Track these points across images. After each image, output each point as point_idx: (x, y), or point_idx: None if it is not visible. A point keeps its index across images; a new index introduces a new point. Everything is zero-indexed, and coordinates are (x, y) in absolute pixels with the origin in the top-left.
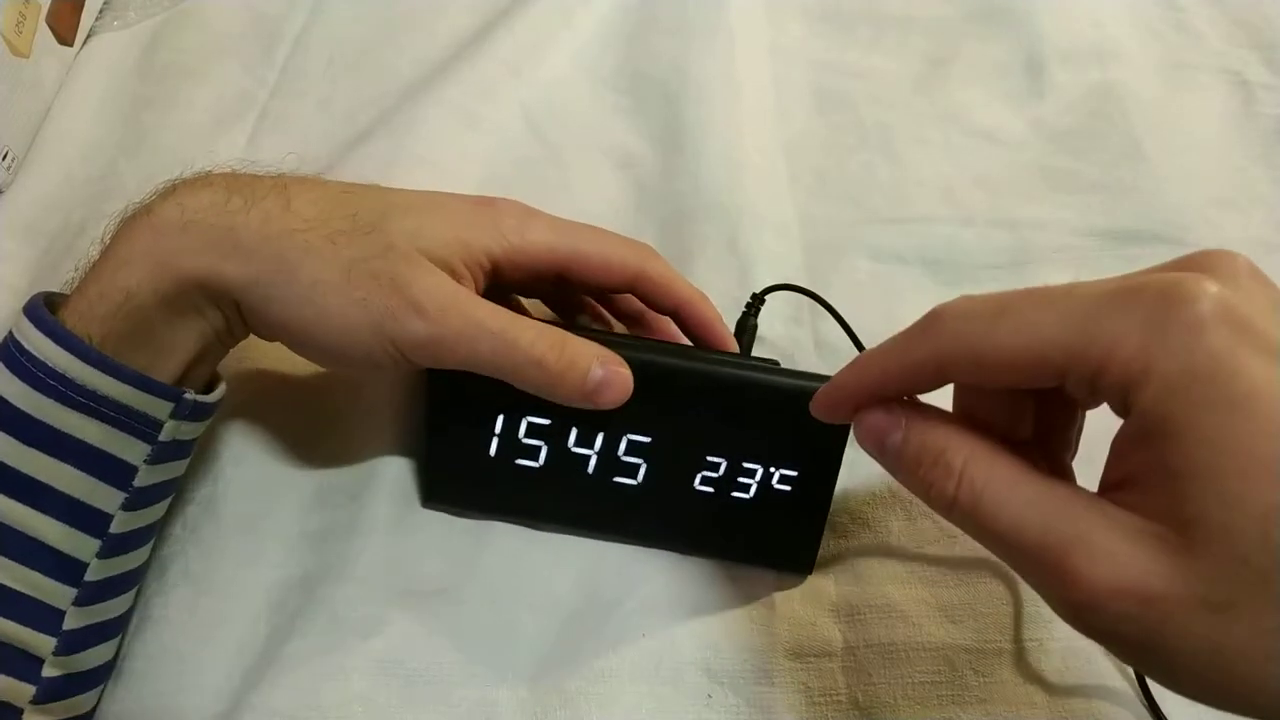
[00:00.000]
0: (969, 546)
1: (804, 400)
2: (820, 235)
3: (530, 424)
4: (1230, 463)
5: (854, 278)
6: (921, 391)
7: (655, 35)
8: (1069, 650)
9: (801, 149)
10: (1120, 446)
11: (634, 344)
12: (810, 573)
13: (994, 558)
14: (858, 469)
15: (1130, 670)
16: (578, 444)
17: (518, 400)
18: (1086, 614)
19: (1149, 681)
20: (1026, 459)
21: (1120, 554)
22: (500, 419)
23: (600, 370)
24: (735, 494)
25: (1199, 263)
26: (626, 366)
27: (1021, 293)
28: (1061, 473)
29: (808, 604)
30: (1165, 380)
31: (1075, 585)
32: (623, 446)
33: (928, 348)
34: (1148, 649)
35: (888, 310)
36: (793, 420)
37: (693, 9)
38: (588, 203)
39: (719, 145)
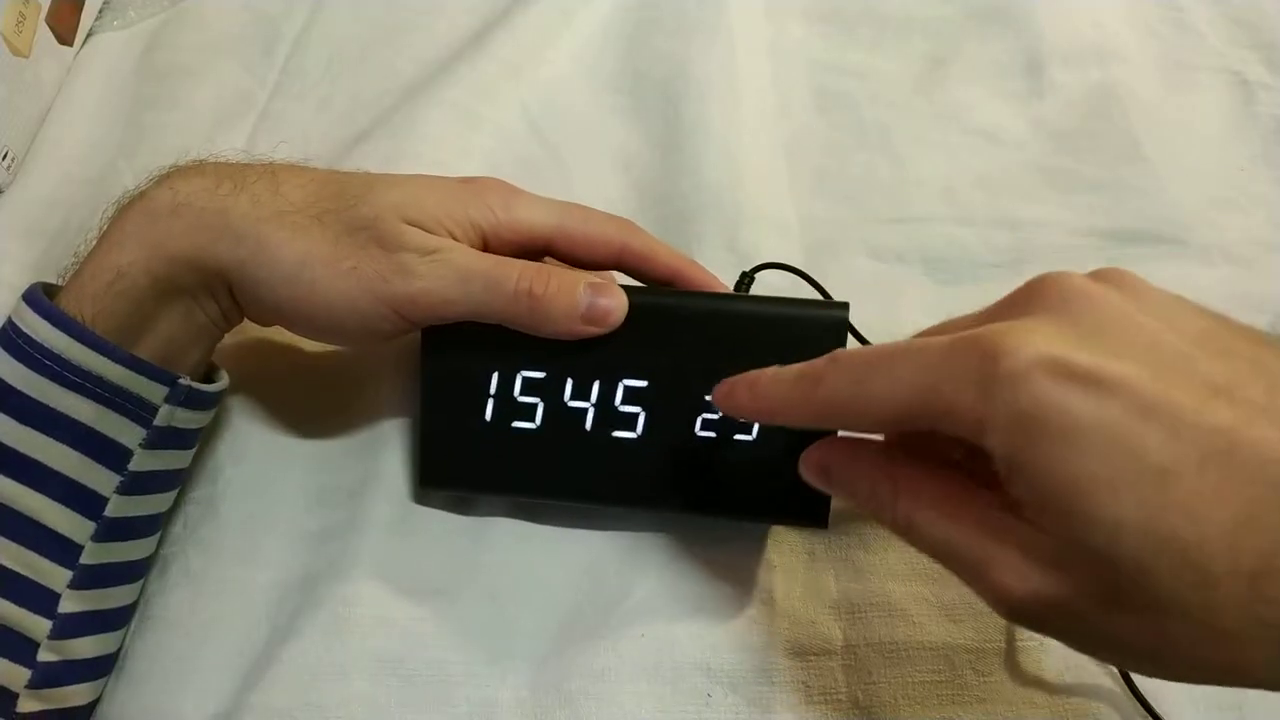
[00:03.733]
0: None
1: (794, 326)
2: (820, 235)
3: (525, 379)
4: (1073, 487)
5: (854, 277)
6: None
7: (655, 35)
8: (1069, 650)
9: (801, 149)
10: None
11: (622, 287)
12: (825, 525)
13: None
14: None
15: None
16: (574, 397)
17: (512, 354)
18: (1017, 617)
19: (1139, 684)
20: (954, 480)
21: (1026, 568)
22: (495, 378)
23: (589, 291)
24: (738, 436)
25: (1028, 296)
26: (618, 287)
27: (890, 348)
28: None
29: (807, 602)
30: (1002, 427)
31: (1000, 596)
32: (619, 395)
33: (819, 399)
34: (1079, 639)
35: (888, 309)
36: (786, 347)
37: (693, 9)
38: (587, 202)
39: (719, 145)
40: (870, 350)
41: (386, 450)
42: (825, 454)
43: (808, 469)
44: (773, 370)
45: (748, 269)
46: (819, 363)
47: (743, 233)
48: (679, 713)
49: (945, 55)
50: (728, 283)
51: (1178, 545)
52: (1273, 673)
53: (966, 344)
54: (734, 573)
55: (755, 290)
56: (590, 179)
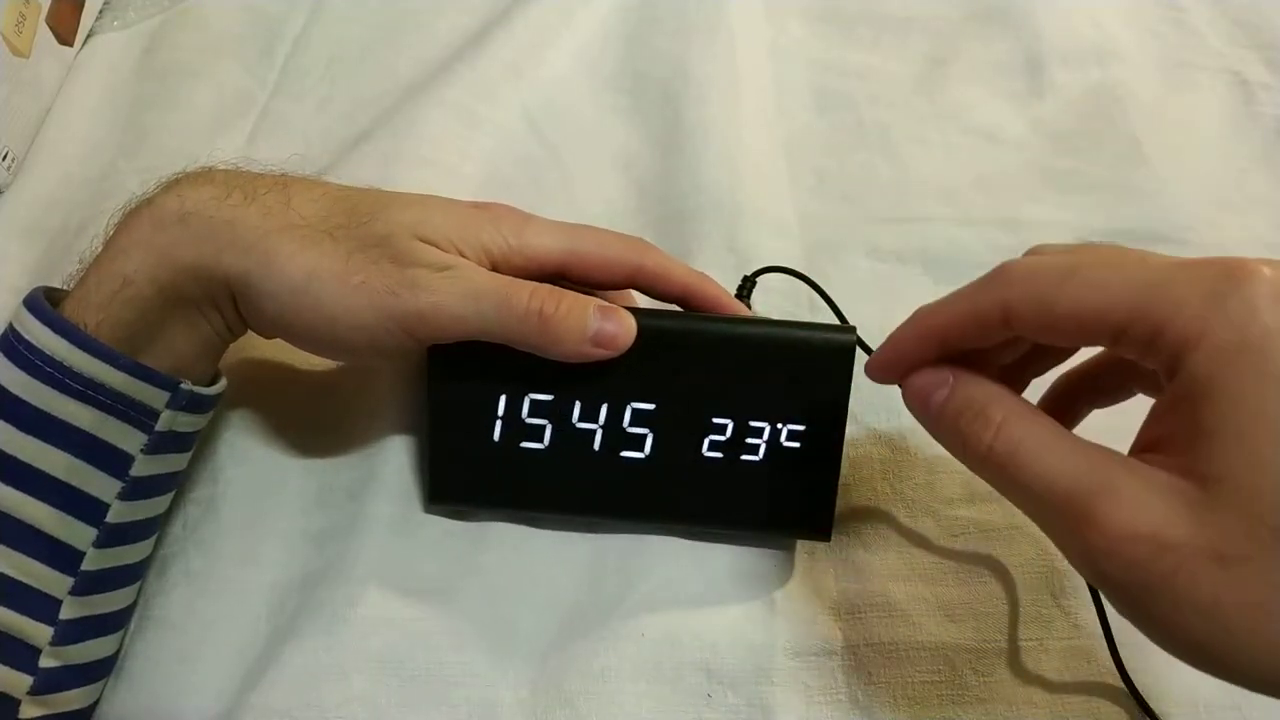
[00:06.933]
0: (970, 544)
1: (803, 350)
2: (820, 234)
3: (533, 402)
4: (1264, 428)
5: (854, 277)
6: (980, 344)
7: (655, 35)
8: (1069, 650)
9: (801, 149)
10: (1159, 410)
11: (629, 310)
12: (829, 537)
13: (994, 555)
14: (858, 464)
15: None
16: (582, 419)
17: (519, 377)
18: (1101, 558)
19: (1139, 685)
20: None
21: (1143, 502)
22: (503, 400)
23: (599, 316)
24: (745, 457)
25: (1215, 261)
26: (626, 312)
27: (1092, 253)
28: None
29: (807, 602)
30: (1218, 346)
31: (1096, 529)
32: (627, 417)
33: (995, 295)
34: (1152, 597)
35: (887, 309)
36: (795, 371)
37: (693, 9)
38: (588, 202)
39: (719, 145)
40: (1063, 255)
41: (386, 451)
42: (931, 379)
43: (911, 396)
44: (930, 305)
45: (749, 273)
46: (995, 269)
47: (743, 233)
48: (679, 713)
49: (945, 55)
50: (729, 285)
51: None
52: None
53: (1203, 261)
54: (734, 573)
55: (757, 294)
56: (590, 179)
